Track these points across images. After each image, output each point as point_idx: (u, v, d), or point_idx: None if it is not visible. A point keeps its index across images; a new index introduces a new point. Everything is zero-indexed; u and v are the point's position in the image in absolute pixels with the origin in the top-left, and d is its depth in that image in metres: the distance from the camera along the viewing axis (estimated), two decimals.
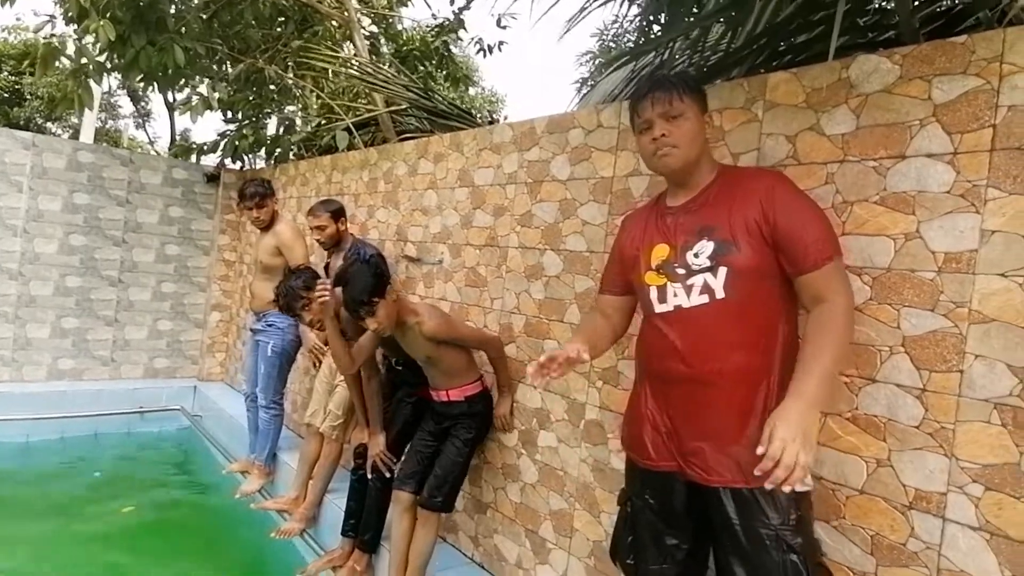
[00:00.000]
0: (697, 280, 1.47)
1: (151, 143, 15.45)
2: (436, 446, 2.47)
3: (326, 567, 2.75)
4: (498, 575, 2.50)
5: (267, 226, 3.59)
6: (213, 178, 5.35)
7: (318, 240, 3.16)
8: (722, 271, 1.44)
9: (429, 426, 2.53)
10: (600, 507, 2.12)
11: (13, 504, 3.61)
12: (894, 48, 1.56)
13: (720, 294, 1.44)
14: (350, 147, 4.22)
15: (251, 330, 3.70)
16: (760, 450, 1.25)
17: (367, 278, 2.22)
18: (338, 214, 3.17)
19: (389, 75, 4.41)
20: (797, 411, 1.26)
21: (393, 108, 4.24)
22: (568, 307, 2.31)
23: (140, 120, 15.36)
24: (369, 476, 2.67)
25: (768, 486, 1.23)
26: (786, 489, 1.23)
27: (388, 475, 2.64)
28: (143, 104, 15.26)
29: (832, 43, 1.49)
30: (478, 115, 4.69)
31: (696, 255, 1.48)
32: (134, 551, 3.14)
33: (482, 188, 2.78)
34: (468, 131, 2.98)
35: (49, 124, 12.25)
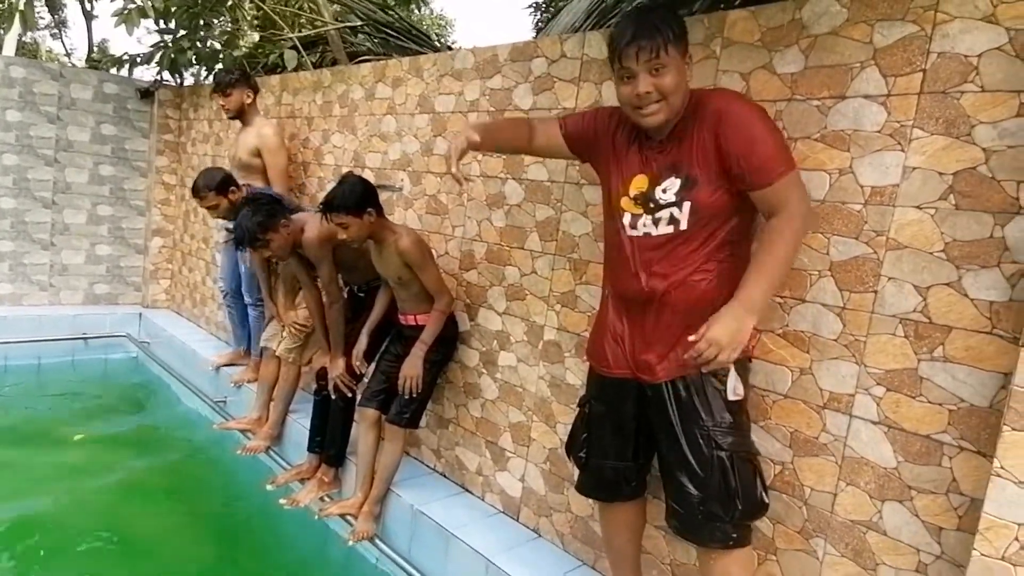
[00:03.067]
0: (664, 214, 1.59)
1: (67, 54, 14.15)
2: (396, 368, 2.59)
3: (294, 479, 2.89)
4: (459, 482, 2.71)
5: (247, 121, 3.53)
6: (147, 94, 5.04)
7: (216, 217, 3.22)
8: (686, 205, 1.56)
9: (395, 348, 2.63)
10: (556, 419, 2.32)
11: None
12: None
13: (683, 225, 1.57)
14: (298, 67, 4.06)
15: (227, 230, 3.67)
16: (692, 338, 1.44)
17: (357, 193, 2.33)
18: (224, 186, 3.13)
19: None
20: (734, 315, 1.43)
21: (346, 24, 4.07)
22: (529, 234, 2.41)
23: (56, 30, 13.99)
24: (332, 396, 2.78)
25: (695, 365, 1.46)
26: (704, 370, 1.46)
27: (349, 395, 2.76)
28: (59, 13, 13.84)
29: None
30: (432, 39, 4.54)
31: (664, 191, 1.59)
32: (97, 476, 3.19)
33: (443, 115, 2.79)
34: (428, 56, 2.94)
35: None
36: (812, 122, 1.69)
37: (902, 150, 1.54)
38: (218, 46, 4.77)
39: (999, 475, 1.27)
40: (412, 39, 3.89)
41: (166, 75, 4.87)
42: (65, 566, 2.49)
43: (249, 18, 5.21)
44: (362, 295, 2.81)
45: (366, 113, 3.22)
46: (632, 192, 1.65)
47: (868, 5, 1.60)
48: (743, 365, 1.65)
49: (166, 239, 5.22)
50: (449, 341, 2.59)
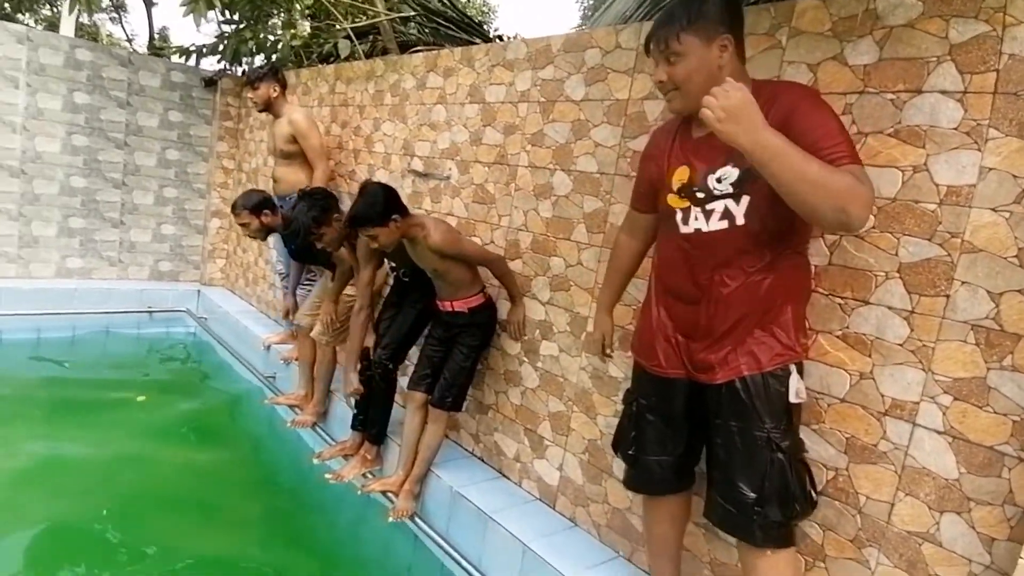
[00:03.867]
0: (718, 205, 1.52)
1: (129, 40, 14.73)
2: (444, 351, 2.63)
3: (339, 454, 2.98)
4: (496, 467, 2.73)
5: (277, 113, 3.68)
6: (211, 83, 5.22)
7: (247, 235, 3.28)
8: (745, 199, 1.49)
9: (437, 333, 2.67)
10: (597, 410, 2.31)
11: (59, 388, 3.80)
12: None
13: (740, 221, 1.50)
14: (351, 56, 4.12)
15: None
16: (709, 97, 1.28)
17: (379, 204, 2.37)
18: (259, 208, 3.20)
19: None
20: (754, 121, 1.25)
21: (399, 15, 4.10)
22: (576, 226, 2.39)
23: (116, 15, 14.58)
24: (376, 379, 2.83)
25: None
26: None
27: (356, 411, 2.88)
28: None
29: None
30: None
31: (719, 180, 1.52)
32: (154, 440, 3.36)
33: (493, 105, 2.79)
34: (480, 46, 2.94)
35: (19, 15, 11.60)
36: (885, 116, 1.61)
37: (979, 149, 1.46)
38: (275, 36, 4.89)
39: None
40: (463, 28, 3.90)
41: (227, 64, 5.03)
42: (121, 519, 2.63)
43: (302, 8, 5.32)
44: (406, 280, 2.85)
45: (417, 102, 3.26)
46: (675, 186, 1.61)
47: (943, 0, 1.51)
48: (803, 367, 1.59)
49: (223, 220, 5.42)
50: (488, 326, 2.62)
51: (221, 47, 4.86)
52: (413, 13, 4.01)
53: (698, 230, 1.57)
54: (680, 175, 1.61)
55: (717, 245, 1.54)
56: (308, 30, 5.21)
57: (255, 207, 3.19)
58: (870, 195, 1.30)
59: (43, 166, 4.70)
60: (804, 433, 1.71)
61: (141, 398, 3.85)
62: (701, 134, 1.59)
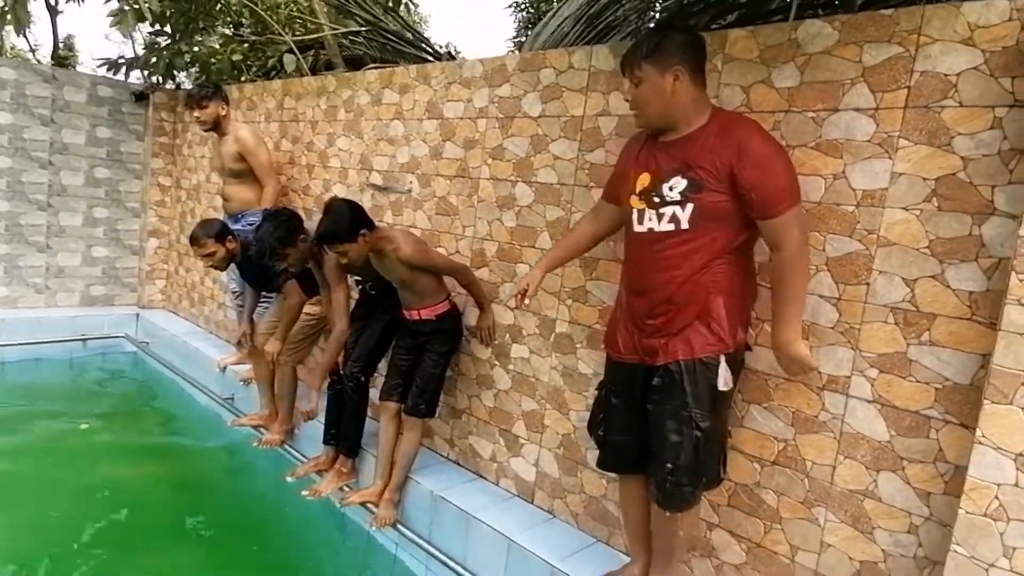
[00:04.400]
0: (668, 210, 1.76)
1: (32, 51, 13.84)
2: (412, 359, 2.72)
3: (313, 470, 3.00)
4: (473, 469, 2.85)
5: (223, 131, 3.66)
6: (142, 97, 5.06)
7: (210, 265, 3.21)
8: (689, 206, 1.72)
9: (405, 342, 2.76)
10: (569, 406, 2.47)
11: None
12: (834, 15, 1.84)
13: (684, 224, 1.73)
14: (297, 71, 4.14)
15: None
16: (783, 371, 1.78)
17: (346, 220, 2.45)
18: (223, 235, 3.15)
19: None
20: (794, 344, 1.71)
21: (347, 30, 4.16)
22: (540, 234, 2.56)
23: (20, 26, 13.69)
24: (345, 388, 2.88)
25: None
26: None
27: (352, 391, 2.89)
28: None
29: (791, 12, 1.74)
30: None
31: (670, 188, 1.75)
32: (111, 467, 3.26)
33: (452, 121, 2.92)
34: (435, 64, 3.06)
35: None
36: (808, 132, 1.86)
37: (890, 157, 1.72)
38: (211, 49, 4.81)
39: (981, 443, 1.46)
40: (412, 44, 4.00)
41: (159, 78, 4.89)
42: (83, 559, 2.56)
43: (237, 21, 5.24)
44: (373, 293, 2.92)
45: (372, 118, 3.33)
46: (637, 188, 1.83)
47: (858, 28, 1.77)
48: (736, 359, 1.81)
49: (161, 240, 5.25)
50: (455, 332, 2.73)
51: (153, 60, 4.72)
52: (363, 28, 4.06)
53: (651, 229, 1.80)
54: (643, 180, 1.83)
55: (664, 244, 1.77)
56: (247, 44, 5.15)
57: (218, 235, 3.12)
58: (806, 236, 1.71)
59: None
60: (756, 411, 1.94)
61: (84, 425, 3.71)
62: (664, 146, 1.81)
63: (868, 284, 1.75)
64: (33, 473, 3.11)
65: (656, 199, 1.78)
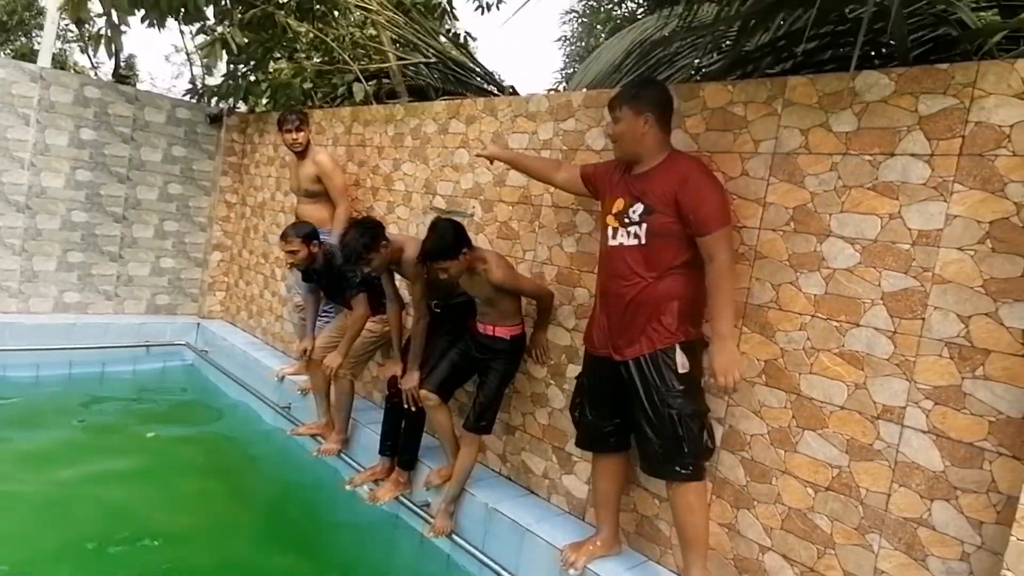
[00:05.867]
0: (632, 228, 2.18)
1: (93, 68, 14.80)
2: (467, 368, 2.87)
3: (369, 479, 3.15)
4: (525, 484, 2.96)
5: (304, 154, 3.90)
6: (216, 119, 5.41)
7: (291, 263, 3.45)
8: (644, 226, 2.14)
9: (468, 350, 2.85)
10: None
11: (51, 425, 3.85)
12: (891, 68, 1.97)
13: (643, 240, 2.15)
14: (366, 100, 4.40)
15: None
16: (712, 381, 2.04)
17: (450, 239, 2.61)
18: (310, 238, 3.40)
19: (416, 29, 4.56)
20: (722, 347, 2.03)
21: (415, 61, 4.40)
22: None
23: (84, 44, 14.67)
24: (410, 408, 3.01)
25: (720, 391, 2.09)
26: (722, 389, 2.07)
27: (414, 409, 3.00)
28: (88, 27, 14.52)
29: (852, 62, 1.87)
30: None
31: (633, 211, 2.17)
32: (179, 476, 3.46)
33: (517, 151, 3.10)
34: (503, 98, 3.27)
35: None
36: (864, 173, 1.98)
37: (945, 200, 1.83)
38: (284, 78, 5.13)
39: None
40: (477, 75, 4.23)
41: (233, 103, 5.23)
42: (151, 555, 2.73)
43: (309, 50, 5.57)
44: (438, 311, 3.08)
45: (439, 145, 3.55)
46: (614, 210, 2.25)
47: (913, 80, 1.90)
48: (691, 346, 2.15)
49: (224, 253, 5.54)
50: (520, 354, 2.85)
51: (230, 85, 5.06)
52: (431, 60, 4.31)
53: (621, 244, 2.21)
54: (617, 204, 2.24)
55: (628, 257, 2.18)
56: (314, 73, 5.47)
57: (306, 236, 3.38)
58: (733, 251, 2.10)
59: (46, 201, 4.78)
60: (811, 438, 2.03)
61: (151, 434, 3.91)
62: (632, 177, 2.22)
63: (923, 319, 1.85)
64: (111, 478, 3.31)
65: (626, 220, 2.20)
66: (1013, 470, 1.67)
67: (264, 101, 5.21)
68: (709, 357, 2.07)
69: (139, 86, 5.22)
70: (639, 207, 2.15)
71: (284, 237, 3.41)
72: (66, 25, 13.49)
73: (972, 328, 1.76)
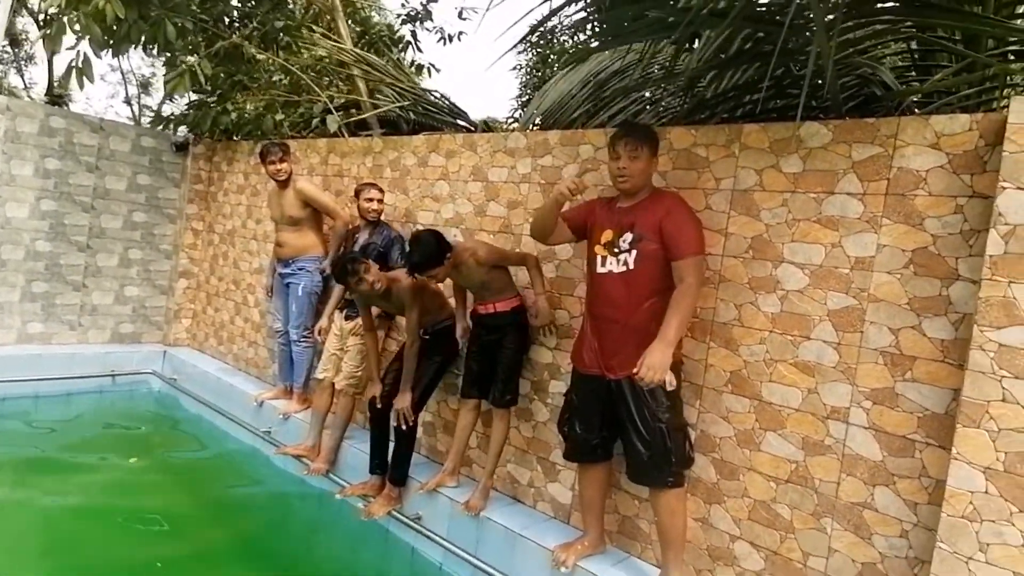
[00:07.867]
0: (622, 256, 2.39)
1: (26, 88, 14.43)
2: (485, 359, 2.98)
3: (360, 492, 3.28)
4: (511, 494, 3.16)
5: (286, 183, 4.00)
6: (182, 147, 5.43)
7: (372, 211, 3.63)
8: (635, 252, 2.36)
9: (475, 346, 3.03)
10: None
11: (25, 460, 3.78)
12: (828, 119, 2.33)
13: (632, 267, 2.37)
14: (339, 131, 4.56)
15: (280, 274, 4.12)
16: (635, 371, 2.20)
17: (433, 248, 2.80)
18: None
19: (382, 64, 4.76)
20: (660, 348, 2.20)
21: (401, 104, 4.60)
22: (577, 284, 2.96)
23: (18, 65, 14.35)
24: (402, 427, 3.15)
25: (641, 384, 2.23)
26: (645, 386, 2.22)
27: (404, 428, 3.15)
28: (25, 49, 14.20)
29: (799, 113, 2.21)
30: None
31: (624, 240, 2.39)
32: (158, 497, 3.48)
33: (496, 184, 3.34)
34: (482, 135, 3.51)
35: None
36: (810, 209, 2.32)
37: (875, 232, 2.18)
38: (253, 109, 5.22)
39: (956, 460, 1.86)
40: (450, 114, 4.46)
41: (200, 132, 5.27)
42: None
43: (286, 85, 5.66)
44: (427, 337, 3.26)
45: (418, 177, 3.75)
46: (603, 240, 2.46)
47: (847, 131, 2.25)
48: (677, 365, 2.38)
49: (191, 280, 5.53)
50: (526, 327, 2.99)
51: (197, 115, 5.11)
52: (406, 103, 4.52)
53: (610, 271, 2.42)
54: (607, 235, 2.46)
55: (618, 283, 2.39)
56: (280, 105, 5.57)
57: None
58: (701, 277, 2.34)
59: (11, 231, 4.69)
60: (772, 437, 2.33)
61: (133, 460, 3.90)
62: (621, 210, 2.45)
63: (862, 332, 2.18)
64: (90, 507, 3.31)
65: (616, 249, 2.42)
66: (940, 458, 2.00)
67: (219, 133, 5.25)
68: (645, 353, 2.19)
69: (72, 107, 5.17)
70: (629, 236, 2.37)
71: (373, 185, 3.63)
72: (3, 47, 13.06)
73: (901, 339, 2.10)
